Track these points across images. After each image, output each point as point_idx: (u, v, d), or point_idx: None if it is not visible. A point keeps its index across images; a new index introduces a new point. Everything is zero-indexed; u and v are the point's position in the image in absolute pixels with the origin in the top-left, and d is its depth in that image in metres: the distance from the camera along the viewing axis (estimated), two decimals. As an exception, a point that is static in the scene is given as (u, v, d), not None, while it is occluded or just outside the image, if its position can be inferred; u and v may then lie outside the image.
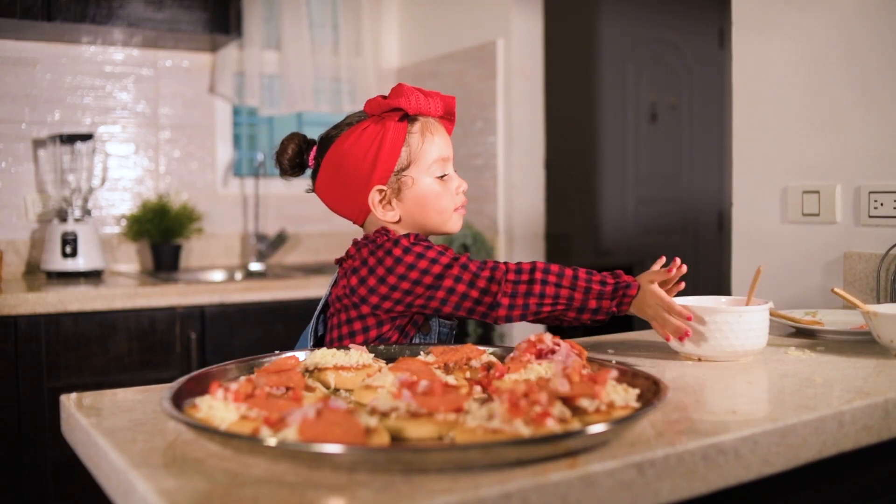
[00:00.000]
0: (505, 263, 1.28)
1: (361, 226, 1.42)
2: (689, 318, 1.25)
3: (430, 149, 1.36)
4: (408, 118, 1.36)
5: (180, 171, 3.21)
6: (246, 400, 0.87)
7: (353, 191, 1.37)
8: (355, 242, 1.38)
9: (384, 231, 1.35)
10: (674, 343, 1.29)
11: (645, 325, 1.54)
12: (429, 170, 1.37)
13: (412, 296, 1.29)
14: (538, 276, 1.24)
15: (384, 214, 1.37)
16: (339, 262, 1.39)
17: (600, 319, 1.27)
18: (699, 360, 1.29)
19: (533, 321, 1.31)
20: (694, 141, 4.88)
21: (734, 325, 1.25)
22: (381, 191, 1.36)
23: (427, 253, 1.29)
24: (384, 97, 1.36)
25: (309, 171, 1.44)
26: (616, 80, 4.67)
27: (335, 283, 1.40)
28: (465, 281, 1.26)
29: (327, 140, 1.39)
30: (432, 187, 1.37)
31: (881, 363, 1.26)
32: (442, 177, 1.38)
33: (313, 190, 1.43)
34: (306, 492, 0.72)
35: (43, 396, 2.31)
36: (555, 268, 1.26)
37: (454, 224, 1.41)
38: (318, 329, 1.42)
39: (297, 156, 1.41)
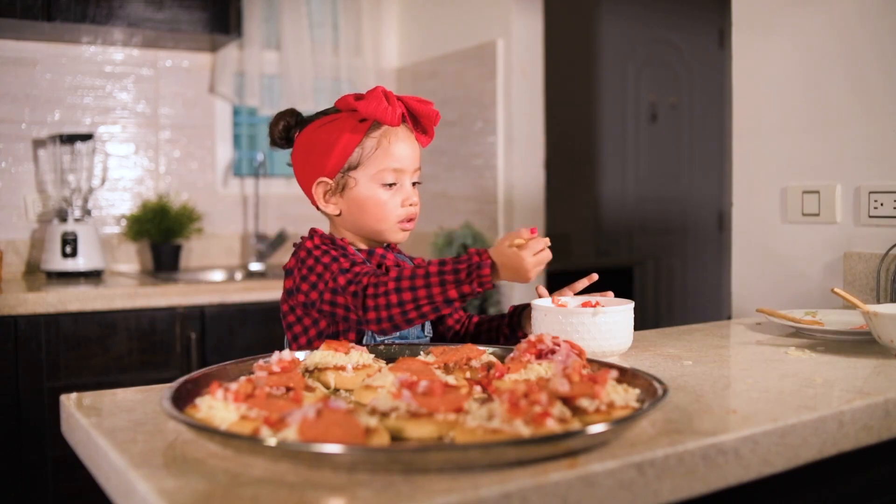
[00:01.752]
0: (368, 277, 1.26)
1: (318, 210, 1.46)
2: (533, 232, 1.22)
3: (382, 157, 1.37)
4: (372, 121, 1.37)
5: (180, 171, 3.21)
6: (246, 400, 0.87)
7: (307, 176, 1.43)
8: (294, 245, 1.43)
9: (311, 232, 1.41)
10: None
11: (645, 326, 1.54)
12: (376, 176, 1.38)
13: (315, 293, 1.32)
14: (391, 285, 1.23)
15: (325, 206, 1.42)
16: (284, 266, 1.43)
17: (471, 299, 1.27)
18: None
19: (414, 326, 1.32)
20: (694, 141, 4.88)
21: (590, 326, 1.26)
22: (323, 183, 1.40)
23: (322, 258, 1.33)
24: (357, 96, 1.38)
25: None
26: (616, 80, 4.67)
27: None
28: (339, 291, 1.28)
29: (305, 122, 1.45)
30: (375, 194, 1.39)
31: (881, 363, 1.26)
32: (390, 186, 1.39)
33: (291, 164, 1.48)
34: (306, 492, 0.72)
35: (43, 396, 2.31)
36: (407, 272, 1.24)
37: (395, 235, 1.42)
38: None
39: (285, 131, 1.46)
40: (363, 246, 1.45)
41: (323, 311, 1.33)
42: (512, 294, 3.02)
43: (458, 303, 1.24)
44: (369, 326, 1.26)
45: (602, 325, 1.27)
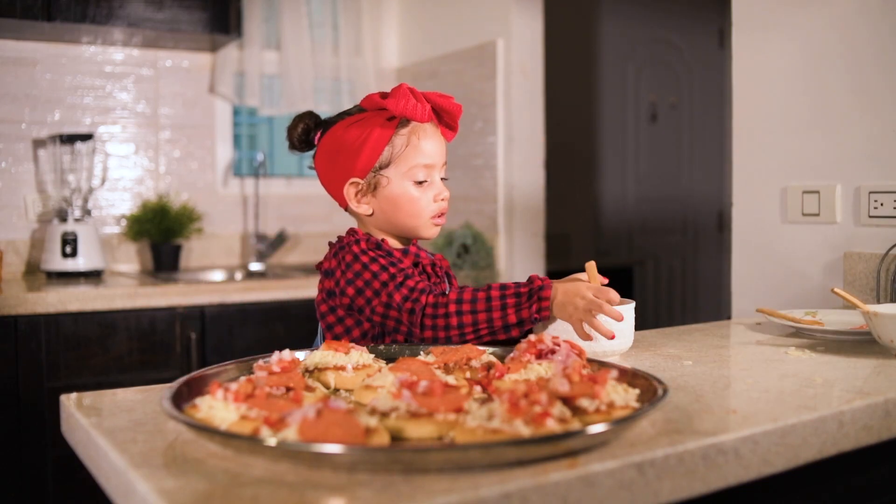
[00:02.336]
0: (427, 296, 1.27)
1: (347, 210, 1.45)
2: (620, 320, 1.24)
3: (412, 153, 1.37)
4: (399, 119, 1.37)
5: (180, 171, 3.21)
6: (246, 400, 0.87)
7: (336, 178, 1.41)
8: (330, 245, 1.41)
9: (352, 232, 1.40)
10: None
11: (645, 326, 1.54)
12: (408, 173, 1.38)
13: (362, 299, 1.32)
14: (452, 308, 1.24)
15: (357, 207, 1.41)
16: (319, 266, 1.42)
17: (529, 328, 1.26)
18: None
19: None
20: (694, 141, 4.88)
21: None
22: (355, 183, 1.39)
23: (371, 265, 1.32)
24: (383, 94, 1.38)
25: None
26: (616, 79, 4.67)
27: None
28: (394, 307, 1.28)
29: (328, 124, 1.44)
30: (408, 191, 1.39)
31: (881, 363, 1.26)
32: (421, 182, 1.39)
33: (313, 167, 1.47)
34: (306, 492, 0.72)
35: (43, 396, 2.31)
36: (467, 294, 1.25)
37: (428, 231, 1.43)
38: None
39: (304, 133, 1.45)
40: (398, 244, 1.44)
41: (372, 320, 1.33)
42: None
43: (515, 330, 1.24)
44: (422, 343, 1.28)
45: (604, 324, 1.26)
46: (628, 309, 1.30)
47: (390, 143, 1.37)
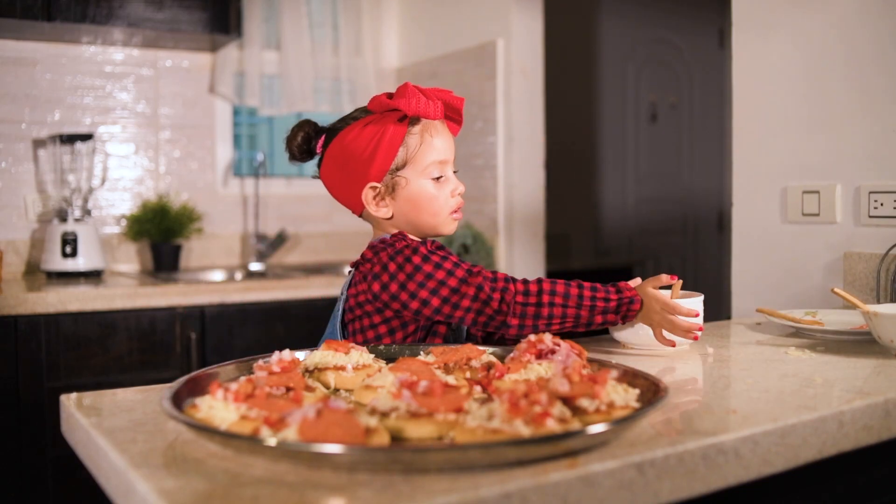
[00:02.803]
0: (514, 283, 1.28)
1: (360, 216, 1.45)
2: (696, 315, 1.30)
3: (427, 151, 1.36)
4: (409, 118, 1.36)
5: (180, 171, 3.21)
6: (246, 400, 0.87)
7: (350, 184, 1.39)
8: (371, 246, 1.38)
9: (401, 236, 1.37)
10: (612, 332, 1.40)
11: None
12: (424, 172, 1.37)
13: (430, 306, 1.30)
14: (545, 298, 1.27)
15: (377, 211, 1.39)
16: (356, 265, 1.39)
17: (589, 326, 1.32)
18: (628, 347, 1.38)
19: None
20: (694, 141, 4.88)
21: None
22: (374, 188, 1.38)
23: (444, 264, 1.30)
24: (389, 95, 1.37)
25: (318, 158, 1.47)
26: (616, 79, 4.67)
27: (350, 287, 1.40)
28: (480, 299, 1.28)
29: (333, 131, 1.41)
30: (426, 189, 1.38)
31: (881, 363, 1.26)
32: (438, 178, 1.39)
33: (318, 176, 1.46)
34: (306, 492, 0.72)
35: (43, 396, 2.31)
36: (560, 288, 1.28)
37: (448, 227, 1.42)
38: (346, 335, 1.41)
39: (305, 142, 1.43)
40: None
41: (451, 319, 1.31)
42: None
43: (594, 327, 1.30)
44: (508, 331, 1.29)
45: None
46: (698, 301, 1.36)
47: (404, 144, 1.36)
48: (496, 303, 1.27)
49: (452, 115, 1.43)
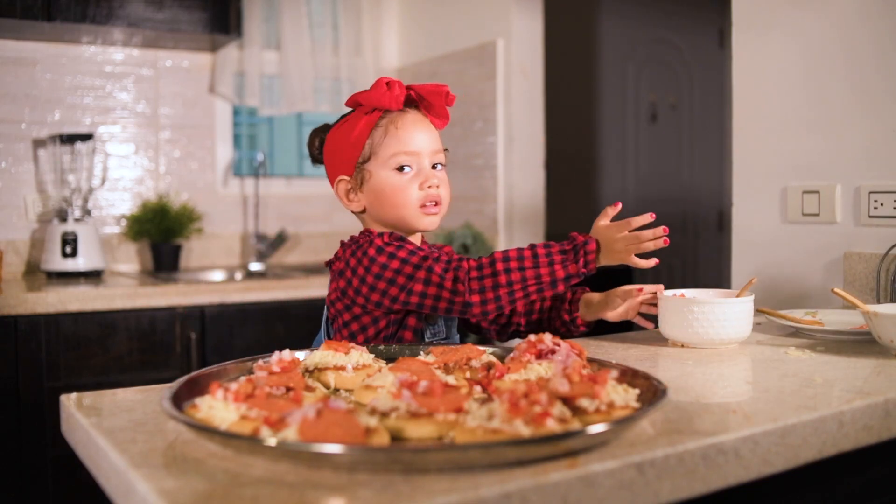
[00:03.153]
0: (467, 260, 1.28)
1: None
2: (652, 219, 1.29)
3: (391, 142, 1.37)
4: (382, 112, 1.38)
5: (180, 171, 3.21)
6: (246, 400, 0.87)
7: (331, 178, 1.44)
8: (342, 244, 1.41)
9: (366, 232, 1.38)
10: (663, 330, 1.40)
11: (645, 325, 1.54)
12: (387, 163, 1.37)
13: (389, 296, 1.30)
14: (500, 266, 1.24)
15: (349, 204, 1.42)
16: (329, 264, 1.41)
17: (575, 283, 1.29)
18: (683, 346, 1.39)
19: (514, 309, 1.37)
20: (694, 141, 4.88)
21: (719, 314, 1.34)
22: (344, 181, 1.41)
23: (398, 253, 1.30)
24: (362, 91, 1.41)
25: None
26: (616, 79, 4.67)
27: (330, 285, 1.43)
28: (434, 283, 1.27)
29: (328, 130, 1.47)
30: (389, 180, 1.37)
31: (881, 363, 1.26)
32: (404, 171, 1.37)
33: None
34: (306, 492, 0.72)
35: (43, 396, 2.31)
36: (513, 253, 1.25)
37: (419, 222, 1.39)
38: (330, 334, 1.43)
39: (321, 146, 1.47)
40: None
41: (407, 306, 1.31)
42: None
43: (562, 284, 1.26)
44: (472, 310, 1.26)
45: (728, 314, 1.35)
46: (748, 300, 1.38)
47: (370, 136, 1.38)
48: (450, 282, 1.25)
49: (432, 110, 1.41)
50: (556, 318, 1.51)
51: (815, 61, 2.01)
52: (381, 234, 1.35)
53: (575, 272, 1.25)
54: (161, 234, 3.01)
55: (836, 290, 1.45)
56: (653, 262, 1.30)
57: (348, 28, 3.43)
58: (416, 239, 1.44)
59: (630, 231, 1.27)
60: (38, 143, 2.95)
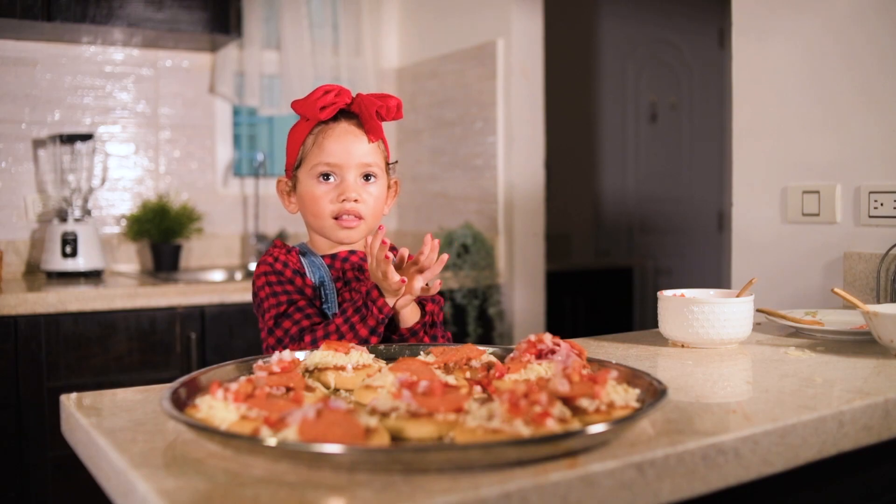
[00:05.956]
0: (294, 344, 1.30)
1: None
2: (382, 230, 1.29)
3: (316, 152, 1.39)
4: (318, 121, 1.40)
5: (180, 171, 3.21)
6: (246, 400, 0.87)
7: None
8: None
9: (271, 246, 1.44)
10: (663, 330, 1.41)
11: (644, 326, 1.54)
12: (311, 171, 1.39)
13: (261, 319, 1.38)
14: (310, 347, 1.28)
15: (287, 206, 1.46)
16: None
17: (381, 330, 1.30)
18: (683, 346, 1.40)
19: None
20: (694, 141, 4.88)
21: (719, 314, 1.35)
22: (282, 182, 1.46)
23: (259, 293, 1.37)
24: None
25: None
26: (616, 80, 4.67)
27: None
28: (268, 343, 1.34)
29: None
30: (309, 189, 1.40)
31: (881, 363, 1.26)
32: (327, 180, 1.38)
33: None
34: (306, 492, 0.72)
35: (43, 396, 2.31)
36: (320, 332, 1.29)
37: (334, 233, 1.40)
38: None
39: None
40: (326, 249, 1.44)
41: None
42: (513, 294, 3.02)
43: (372, 338, 1.29)
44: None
45: (728, 314, 1.35)
46: (748, 300, 1.38)
47: (303, 143, 1.40)
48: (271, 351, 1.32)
49: (365, 118, 1.37)
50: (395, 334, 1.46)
51: (815, 61, 2.01)
52: (269, 255, 1.40)
53: (375, 324, 1.28)
54: (161, 234, 3.02)
55: (836, 290, 1.46)
56: (419, 284, 1.29)
57: (348, 28, 3.43)
58: (340, 248, 1.44)
59: (377, 266, 1.27)
60: (38, 143, 2.95)
